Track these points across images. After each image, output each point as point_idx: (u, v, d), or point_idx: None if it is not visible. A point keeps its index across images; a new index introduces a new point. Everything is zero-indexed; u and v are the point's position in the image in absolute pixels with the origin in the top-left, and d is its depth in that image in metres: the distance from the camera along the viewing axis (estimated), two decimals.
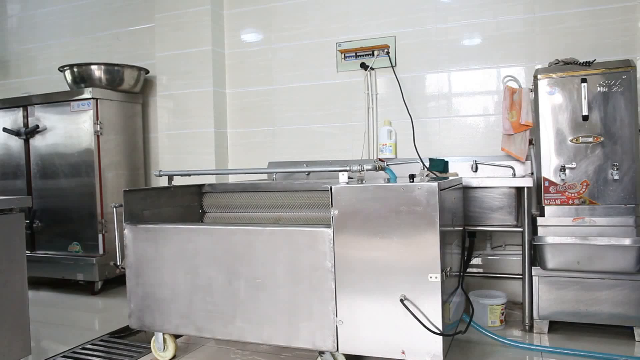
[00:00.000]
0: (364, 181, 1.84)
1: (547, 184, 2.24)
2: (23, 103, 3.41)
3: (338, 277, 1.71)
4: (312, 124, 3.26)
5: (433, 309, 1.60)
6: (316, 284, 1.74)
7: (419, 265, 1.61)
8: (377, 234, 1.66)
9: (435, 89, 2.99)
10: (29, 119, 3.39)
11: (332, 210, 1.72)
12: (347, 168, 1.83)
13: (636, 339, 2.15)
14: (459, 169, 2.70)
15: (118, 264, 2.15)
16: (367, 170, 1.84)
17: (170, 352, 2.08)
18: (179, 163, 3.42)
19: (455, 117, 2.95)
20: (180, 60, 3.45)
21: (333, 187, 1.73)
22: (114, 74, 3.40)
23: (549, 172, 2.24)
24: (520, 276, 2.38)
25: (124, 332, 2.44)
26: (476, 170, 2.72)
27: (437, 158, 2.40)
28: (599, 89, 2.16)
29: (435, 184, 1.60)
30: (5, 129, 3.43)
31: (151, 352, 2.12)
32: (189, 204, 2.46)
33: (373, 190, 1.68)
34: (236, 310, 1.86)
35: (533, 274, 2.23)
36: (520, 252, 2.40)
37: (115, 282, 3.30)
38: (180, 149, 3.46)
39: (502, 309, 2.37)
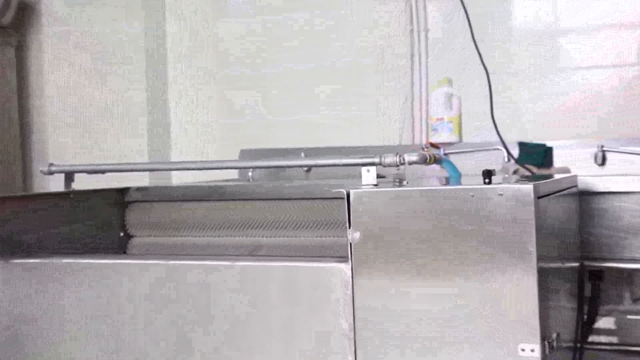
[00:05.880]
0: (404, 182, 1.85)
1: None
2: None
3: (360, 347, 1.72)
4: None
5: None
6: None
7: (501, 328, 1.62)
8: (427, 273, 1.67)
9: (529, 21, 3.02)
10: None
11: (349, 233, 1.73)
12: (376, 159, 1.84)
13: None
14: (572, 162, 2.71)
15: None
16: (411, 162, 1.86)
17: None
18: (85, 151, 3.46)
19: (563, 70, 2.97)
20: None
21: (352, 192, 1.73)
22: None
23: None
24: None
25: None
26: (602, 164, 2.74)
27: (533, 142, 2.40)
28: None
29: (530, 186, 1.60)
30: None
31: None
32: (102, 222, 2.48)
33: (419, 197, 1.69)
34: None
35: None
36: None
37: None
38: (87, 128, 3.48)
39: None
